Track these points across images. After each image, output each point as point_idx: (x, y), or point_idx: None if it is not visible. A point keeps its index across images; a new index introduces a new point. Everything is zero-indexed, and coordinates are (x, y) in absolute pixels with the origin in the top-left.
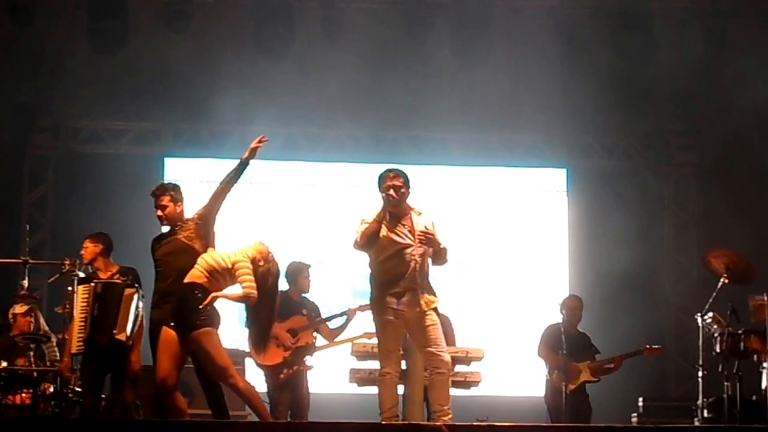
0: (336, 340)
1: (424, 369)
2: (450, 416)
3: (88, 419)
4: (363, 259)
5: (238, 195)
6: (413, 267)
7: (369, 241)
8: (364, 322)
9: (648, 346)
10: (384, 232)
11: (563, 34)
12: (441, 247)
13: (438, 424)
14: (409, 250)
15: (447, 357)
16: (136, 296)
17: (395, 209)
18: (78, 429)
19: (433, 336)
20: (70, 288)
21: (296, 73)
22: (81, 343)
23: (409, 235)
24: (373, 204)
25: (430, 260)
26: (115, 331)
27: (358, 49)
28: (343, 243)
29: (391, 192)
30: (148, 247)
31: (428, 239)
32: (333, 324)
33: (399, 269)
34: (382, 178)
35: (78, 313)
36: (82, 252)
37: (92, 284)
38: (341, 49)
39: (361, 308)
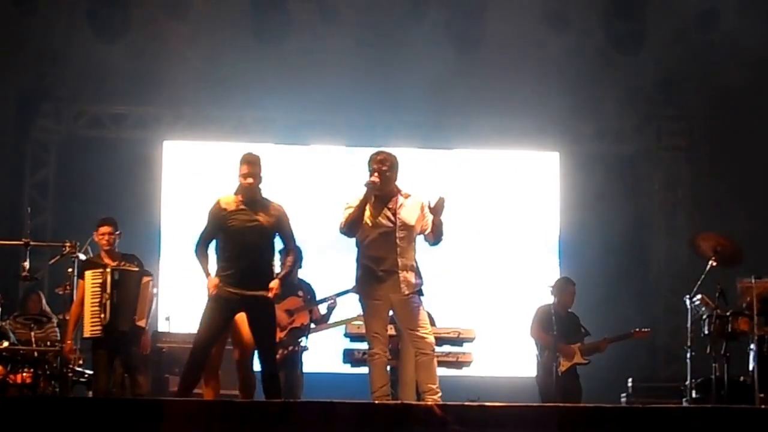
0: (329, 322)
1: None
2: (439, 394)
3: (87, 398)
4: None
5: (236, 179)
6: (395, 251)
7: (351, 227)
8: (358, 305)
9: (637, 330)
10: (368, 214)
11: (556, 20)
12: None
13: (429, 403)
14: (390, 234)
15: (431, 338)
16: (151, 283)
17: (380, 192)
18: (78, 408)
19: (416, 318)
20: (70, 270)
21: (293, 59)
22: (97, 329)
23: (392, 217)
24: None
25: (426, 240)
26: (135, 317)
27: (353, 35)
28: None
29: (374, 176)
30: (146, 229)
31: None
32: (323, 309)
33: (381, 252)
34: (370, 161)
35: (89, 298)
36: (101, 239)
37: (106, 270)
38: (337, 35)
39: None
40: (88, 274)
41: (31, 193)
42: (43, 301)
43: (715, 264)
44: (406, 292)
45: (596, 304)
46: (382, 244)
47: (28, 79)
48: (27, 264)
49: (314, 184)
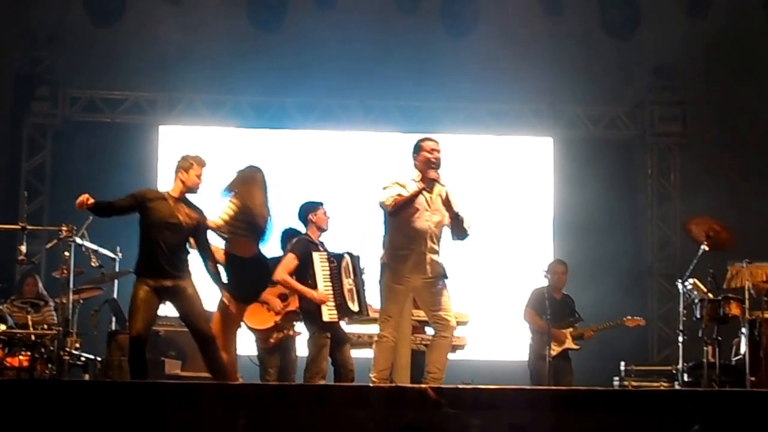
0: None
1: (412, 333)
2: (442, 380)
3: (84, 382)
4: (356, 229)
5: (231, 163)
6: (427, 231)
7: (400, 210)
8: None
9: (629, 318)
10: (405, 193)
11: (551, 5)
12: (456, 212)
13: (424, 386)
14: (425, 215)
15: (453, 322)
16: None
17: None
18: (74, 391)
19: (442, 300)
20: (66, 253)
21: (288, 44)
22: (333, 314)
23: (428, 202)
24: (368, 171)
25: (451, 235)
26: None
27: (348, 20)
28: (335, 210)
29: (435, 155)
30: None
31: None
32: None
33: (412, 231)
34: (421, 146)
35: (322, 281)
36: (323, 220)
37: (344, 256)
38: (332, 20)
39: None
40: (316, 256)
41: (28, 177)
42: (40, 284)
43: (707, 249)
44: (431, 275)
45: (589, 288)
46: (414, 223)
47: (24, 63)
48: (24, 248)
49: (309, 168)
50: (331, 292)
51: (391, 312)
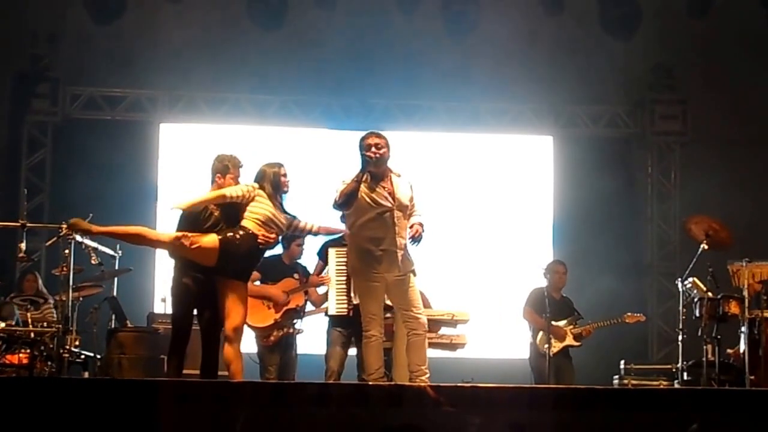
0: (323, 306)
1: None
2: (428, 375)
3: (83, 379)
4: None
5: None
6: (393, 229)
7: (347, 200)
8: None
9: (630, 315)
10: (364, 194)
11: (551, 3)
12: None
13: (423, 385)
14: (388, 213)
15: (424, 319)
16: None
17: (375, 170)
18: (74, 389)
19: (411, 298)
20: (66, 251)
21: (289, 42)
22: (343, 308)
23: (389, 197)
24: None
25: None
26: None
27: (349, 19)
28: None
29: (372, 150)
30: (142, 209)
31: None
32: (321, 289)
33: (379, 232)
34: (363, 140)
35: (335, 275)
36: None
37: None
38: (333, 19)
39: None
40: (332, 251)
41: (28, 175)
42: (40, 282)
43: (706, 247)
44: (404, 272)
45: (589, 287)
46: (380, 224)
47: (24, 60)
48: (24, 245)
49: (309, 166)
50: (345, 286)
51: (374, 310)
